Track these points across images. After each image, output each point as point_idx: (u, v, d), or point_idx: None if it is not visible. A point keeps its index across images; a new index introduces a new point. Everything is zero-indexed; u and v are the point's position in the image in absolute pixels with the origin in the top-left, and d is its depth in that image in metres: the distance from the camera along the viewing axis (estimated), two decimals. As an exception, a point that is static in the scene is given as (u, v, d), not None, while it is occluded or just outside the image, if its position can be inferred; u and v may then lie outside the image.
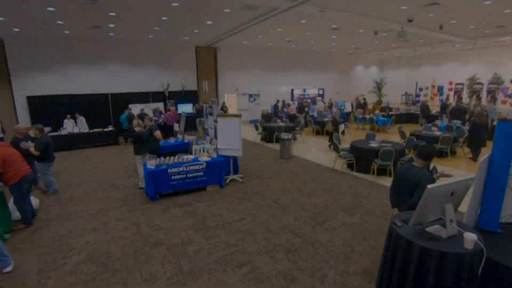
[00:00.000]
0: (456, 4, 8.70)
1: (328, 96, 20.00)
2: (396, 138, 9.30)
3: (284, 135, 8.83)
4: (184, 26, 10.97)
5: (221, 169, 6.16)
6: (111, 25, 10.36)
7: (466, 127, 9.41)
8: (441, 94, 19.13)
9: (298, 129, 11.21)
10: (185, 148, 7.78)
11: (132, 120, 7.26)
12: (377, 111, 15.22)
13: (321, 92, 20.25)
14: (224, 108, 13.36)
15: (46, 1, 7.50)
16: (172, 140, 8.14)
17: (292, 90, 19.14)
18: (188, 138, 8.25)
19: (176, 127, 9.72)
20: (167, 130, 11.06)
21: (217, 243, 4.03)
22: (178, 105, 14.20)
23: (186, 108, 14.64)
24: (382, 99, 20.39)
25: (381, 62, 24.60)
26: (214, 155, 6.35)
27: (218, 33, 12.57)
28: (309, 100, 17.02)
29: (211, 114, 7.92)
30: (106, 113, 12.95)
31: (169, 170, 5.60)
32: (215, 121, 7.05)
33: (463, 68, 19.15)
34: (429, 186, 2.23)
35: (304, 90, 19.59)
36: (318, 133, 12.80)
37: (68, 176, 7.37)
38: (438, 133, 8.92)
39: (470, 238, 2.19)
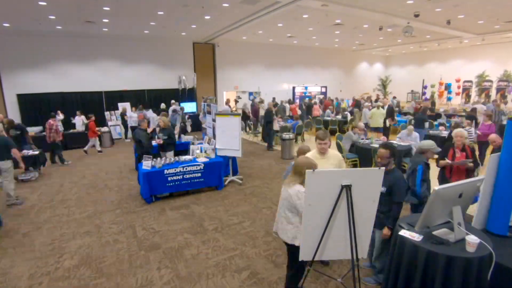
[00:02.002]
0: (465, -2, 8.71)
1: (332, 94, 19.97)
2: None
3: (285, 135, 8.84)
4: (181, 21, 10.96)
5: (219, 170, 6.16)
6: (105, 20, 10.35)
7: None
8: (449, 92, 19.12)
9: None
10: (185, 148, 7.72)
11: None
12: None
13: (323, 89, 20.23)
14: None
15: (37, -5, 7.50)
16: None
17: (293, 88, 19.14)
18: (186, 138, 8.25)
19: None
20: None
21: (216, 247, 4.04)
22: (180, 104, 14.14)
23: (189, 107, 14.57)
24: (387, 97, 20.39)
25: (386, 58, 24.60)
26: (212, 156, 6.35)
27: (217, 29, 12.56)
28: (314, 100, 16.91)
29: (209, 113, 7.91)
30: (99, 112, 12.92)
31: (165, 171, 5.60)
32: (214, 120, 7.05)
33: (471, 65, 19.14)
34: (436, 187, 2.23)
35: (306, 88, 19.59)
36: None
37: (60, 178, 7.38)
38: (445, 132, 8.92)
39: (472, 241, 2.19)
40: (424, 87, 19.99)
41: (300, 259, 2.54)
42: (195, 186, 5.95)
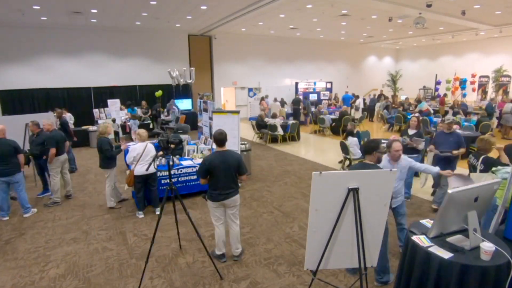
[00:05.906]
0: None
1: (338, 89, 19.93)
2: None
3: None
4: (175, 12, 10.96)
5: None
6: (93, 11, 10.35)
7: None
8: (463, 88, 19.09)
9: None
10: None
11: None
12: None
13: (328, 85, 20.20)
14: None
15: (20, -17, 7.51)
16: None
17: (296, 84, 19.11)
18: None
19: None
20: None
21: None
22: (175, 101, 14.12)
23: (184, 105, 14.51)
24: (398, 94, 20.41)
25: (396, 52, 24.59)
26: (209, 156, 6.33)
27: (214, 20, 12.56)
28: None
29: (205, 110, 7.92)
30: (88, 109, 12.93)
31: (158, 174, 5.59)
32: (210, 118, 7.06)
33: (488, 59, 19.11)
34: (449, 191, 2.22)
35: (315, 83, 19.50)
36: (317, 131, 13.21)
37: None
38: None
39: (488, 248, 2.18)
40: (438, 83, 19.95)
41: (305, 268, 2.55)
42: (191, 190, 5.95)
